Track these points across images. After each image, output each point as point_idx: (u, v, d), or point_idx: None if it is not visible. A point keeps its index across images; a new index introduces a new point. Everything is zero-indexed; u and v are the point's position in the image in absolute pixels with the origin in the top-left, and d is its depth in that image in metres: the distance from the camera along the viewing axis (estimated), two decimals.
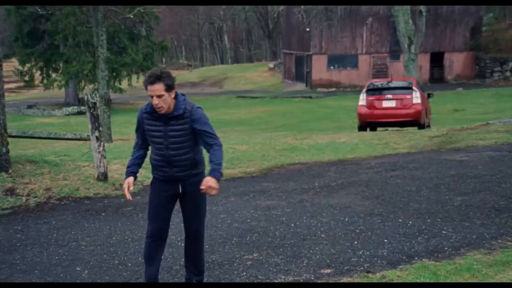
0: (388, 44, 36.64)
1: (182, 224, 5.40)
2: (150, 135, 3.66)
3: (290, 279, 3.94)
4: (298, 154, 9.79)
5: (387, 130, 13.22)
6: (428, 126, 13.42)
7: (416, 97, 12.59)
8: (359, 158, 9.15)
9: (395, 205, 5.76)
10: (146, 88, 3.54)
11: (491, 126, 11.95)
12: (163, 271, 4.20)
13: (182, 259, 4.45)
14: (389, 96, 12.71)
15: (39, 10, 24.83)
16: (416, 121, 12.62)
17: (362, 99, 12.95)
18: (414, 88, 12.81)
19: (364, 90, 13.21)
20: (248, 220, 5.48)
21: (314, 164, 8.69)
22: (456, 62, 37.32)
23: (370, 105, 12.79)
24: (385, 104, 12.64)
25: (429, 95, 14.39)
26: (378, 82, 13.66)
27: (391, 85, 13.12)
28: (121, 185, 7.33)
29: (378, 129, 13.36)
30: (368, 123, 12.94)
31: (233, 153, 9.91)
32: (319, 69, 37.09)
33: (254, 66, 51.13)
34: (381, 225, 5.09)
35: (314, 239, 4.79)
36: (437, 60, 37.19)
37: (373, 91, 12.93)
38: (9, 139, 7.14)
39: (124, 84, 34.75)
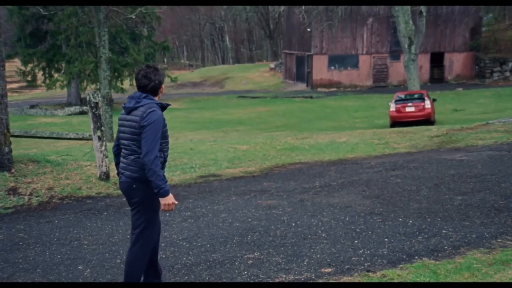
0: (389, 44, 36.65)
1: (183, 224, 5.47)
2: (166, 132, 3.55)
3: (291, 278, 3.95)
4: (299, 153, 9.82)
5: (387, 130, 13.75)
6: (434, 121, 18.74)
7: (427, 104, 18.24)
8: (359, 157, 9.18)
9: (395, 205, 5.78)
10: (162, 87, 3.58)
11: (491, 126, 11.97)
12: (164, 270, 4.22)
13: (184, 258, 4.49)
14: (410, 103, 18.34)
15: (41, 10, 24.87)
16: (428, 119, 18.01)
17: (392, 106, 18.62)
18: (425, 97, 18.55)
19: (393, 100, 18.87)
20: (249, 220, 5.50)
21: (314, 164, 8.71)
22: (456, 62, 37.35)
23: (397, 110, 18.44)
24: (408, 109, 18.31)
25: (434, 100, 19.58)
26: (402, 94, 19.31)
27: (410, 96, 18.95)
28: None
29: (380, 129, 15.08)
30: (396, 122, 18.24)
31: (234, 153, 9.94)
32: (320, 69, 37.11)
33: (255, 66, 51.16)
34: (381, 224, 5.11)
35: (315, 238, 4.81)
36: (437, 60, 37.22)
37: (399, 100, 18.68)
38: (11, 139, 7.17)
39: (126, 84, 34.81)
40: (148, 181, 3.43)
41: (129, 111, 3.50)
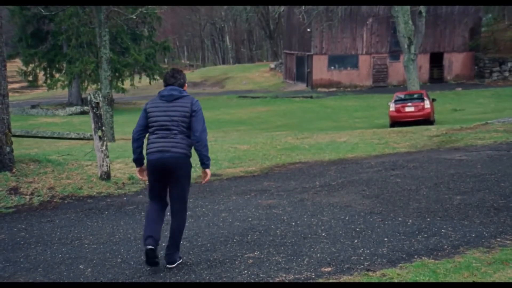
0: (388, 45, 36.69)
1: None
2: None
3: (291, 277, 3.96)
4: (299, 153, 9.85)
5: (387, 129, 13.88)
6: (434, 121, 18.90)
7: (427, 104, 18.37)
8: (359, 157, 9.21)
9: (395, 204, 5.80)
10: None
11: (490, 126, 12.01)
12: (164, 269, 4.25)
13: (184, 257, 4.51)
14: (409, 103, 18.42)
15: (42, 11, 24.92)
16: (427, 119, 18.13)
17: (392, 106, 18.69)
18: (425, 97, 18.64)
19: (393, 100, 18.92)
20: (250, 219, 5.52)
21: (314, 163, 8.74)
22: (456, 62, 37.40)
23: (397, 110, 18.51)
24: (407, 109, 18.40)
25: (433, 100, 19.71)
26: (401, 94, 19.37)
27: (410, 96, 19.03)
28: (123, 183, 7.38)
29: (380, 129, 15.21)
30: (396, 122, 18.31)
31: (235, 153, 9.97)
32: (320, 69, 37.15)
33: (255, 66, 51.22)
34: (381, 224, 5.12)
35: (315, 237, 4.83)
36: (436, 60, 37.26)
37: (398, 100, 18.75)
38: (13, 139, 7.19)
39: (127, 84, 34.88)
40: (189, 156, 4.22)
41: (174, 99, 4.21)
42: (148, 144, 4.24)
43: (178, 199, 4.25)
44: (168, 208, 4.37)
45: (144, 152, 4.33)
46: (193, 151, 4.29)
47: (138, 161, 4.37)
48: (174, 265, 4.26)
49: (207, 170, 4.30)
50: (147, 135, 4.32)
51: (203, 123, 4.19)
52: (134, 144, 4.31)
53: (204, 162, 4.25)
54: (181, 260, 4.35)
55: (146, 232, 4.18)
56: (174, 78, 4.33)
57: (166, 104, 4.20)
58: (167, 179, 4.21)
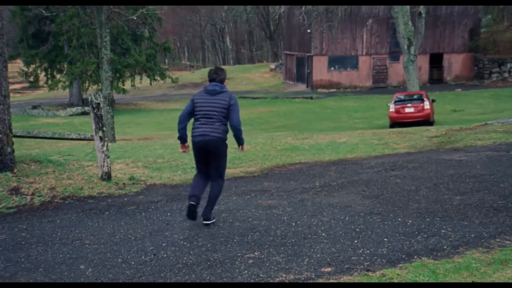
0: (388, 46, 36.73)
1: (184, 223, 5.52)
2: None
3: (291, 277, 3.97)
4: (299, 154, 9.86)
5: (386, 130, 13.82)
6: (433, 121, 18.87)
7: (427, 105, 18.40)
8: (359, 158, 9.22)
9: (395, 204, 5.82)
10: None
11: (490, 127, 12.02)
12: (165, 270, 4.26)
13: (185, 258, 4.53)
14: (409, 104, 18.46)
15: (43, 12, 24.97)
16: (427, 120, 18.15)
17: (392, 107, 18.76)
18: (424, 98, 18.65)
19: (393, 101, 18.97)
20: (250, 219, 5.54)
21: (314, 164, 8.75)
22: (455, 63, 37.43)
23: (397, 111, 18.55)
24: (407, 110, 18.43)
25: (433, 100, 19.75)
26: (401, 95, 19.42)
27: (409, 97, 19.05)
28: (124, 184, 7.40)
29: (380, 130, 15.24)
30: (396, 123, 18.30)
31: (235, 153, 9.98)
32: (320, 70, 37.18)
33: (256, 67, 51.25)
34: (381, 224, 5.14)
35: (315, 238, 4.85)
36: (436, 61, 37.30)
37: (398, 101, 18.81)
38: (14, 139, 7.21)
39: (127, 84, 34.90)
40: (225, 139, 5.27)
41: (216, 93, 5.24)
42: (193, 128, 5.24)
43: (216, 170, 5.30)
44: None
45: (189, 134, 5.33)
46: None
47: (181, 138, 5.42)
48: (209, 222, 5.31)
49: (244, 146, 5.50)
50: (192, 121, 5.30)
51: (238, 113, 5.27)
52: (179, 125, 5.31)
53: (240, 143, 5.42)
54: (214, 220, 5.40)
55: (191, 192, 5.23)
56: (216, 74, 5.35)
57: (209, 97, 5.22)
58: (208, 156, 5.23)
